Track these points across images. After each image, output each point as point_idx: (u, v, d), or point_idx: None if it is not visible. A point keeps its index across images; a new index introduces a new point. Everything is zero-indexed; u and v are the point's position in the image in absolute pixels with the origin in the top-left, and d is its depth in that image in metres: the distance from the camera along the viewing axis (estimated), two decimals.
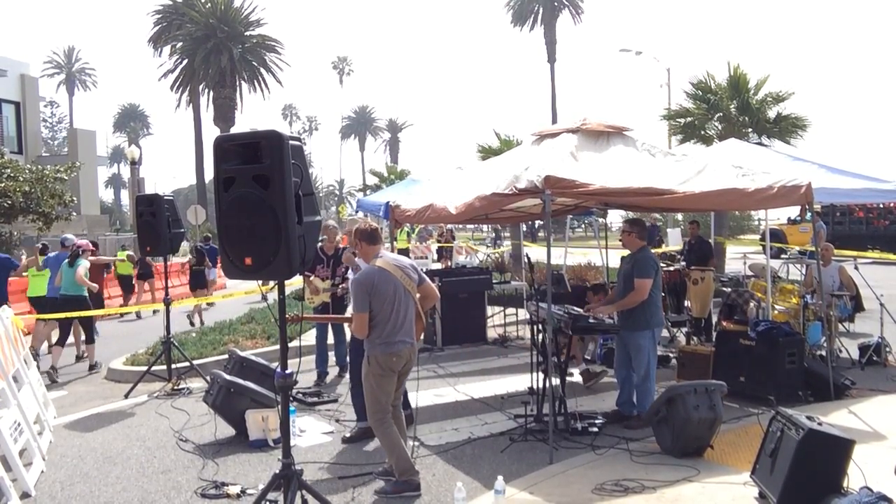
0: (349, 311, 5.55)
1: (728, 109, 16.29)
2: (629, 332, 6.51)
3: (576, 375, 8.14)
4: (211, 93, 40.69)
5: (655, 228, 18.81)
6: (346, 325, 5.36)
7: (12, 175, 18.19)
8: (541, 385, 6.39)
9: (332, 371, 8.81)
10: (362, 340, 5.55)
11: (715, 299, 11.13)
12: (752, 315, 9.17)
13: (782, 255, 19.71)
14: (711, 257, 11.43)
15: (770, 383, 7.07)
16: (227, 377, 6.71)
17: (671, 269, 11.06)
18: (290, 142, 3.91)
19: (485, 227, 42.43)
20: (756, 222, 34.27)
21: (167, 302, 9.32)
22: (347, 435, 6.39)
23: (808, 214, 10.15)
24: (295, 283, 5.61)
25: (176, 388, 8.47)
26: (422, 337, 5.43)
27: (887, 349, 8.88)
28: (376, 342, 5.03)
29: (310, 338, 9.17)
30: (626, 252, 6.80)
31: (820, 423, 4.43)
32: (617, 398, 6.78)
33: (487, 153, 18.90)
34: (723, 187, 6.55)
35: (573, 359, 7.84)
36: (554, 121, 44.81)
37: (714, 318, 10.44)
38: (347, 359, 7.43)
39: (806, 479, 4.26)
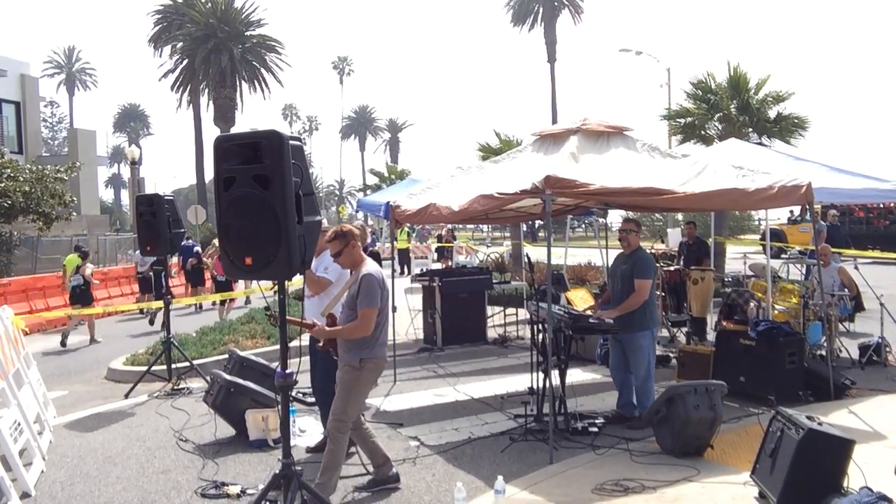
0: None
1: (728, 109, 16.27)
2: (629, 333, 6.48)
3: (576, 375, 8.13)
4: (211, 93, 40.62)
5: (836, 228, 18.19)
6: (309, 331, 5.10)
7: (12, 175, 18.19)
8: (541, 385, 6.39)
9: None
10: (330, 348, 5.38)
11: (715, 299, 11.13)
12: (752, 315, 9.16)
13: (782, 255, 19.70)
14: (707, 258, 11.46)
15: (770, 383, 7.06)
16: (228, 377, 6.71)
17: (671, 269, 11.07)
18: (291, 142, 3.91)
19: (485, 228, 42.47)
20: (756, 222, 34.26)
21: (167, 302, 9.32)
22: (311, 445, 6.14)
23: (808, 214, 10.14)
24: (296, 282, 5.57)
25: (176, 388, 8.47)
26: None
27: (887, 349, 8.87)
28: (378, 344, 4.93)
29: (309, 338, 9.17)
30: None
31: (820, 423, 4.43)
32: (617, 401, 6.76)
33: (487, 153, 18.89)
34: (723, 187, 6.55)
35: None
36: (554, 121, 44.79)
37: (714, 318, 10.44)
38: None
39: (806, 479, 4.26)
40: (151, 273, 16.26)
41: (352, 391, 4.85)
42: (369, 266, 4.95)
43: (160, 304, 15.01)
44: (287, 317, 4.47)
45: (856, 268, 9.73)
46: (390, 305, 5.03)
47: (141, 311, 16.34)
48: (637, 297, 6.41)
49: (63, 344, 12.67)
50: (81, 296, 12.92)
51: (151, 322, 14.69)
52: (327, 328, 4.90)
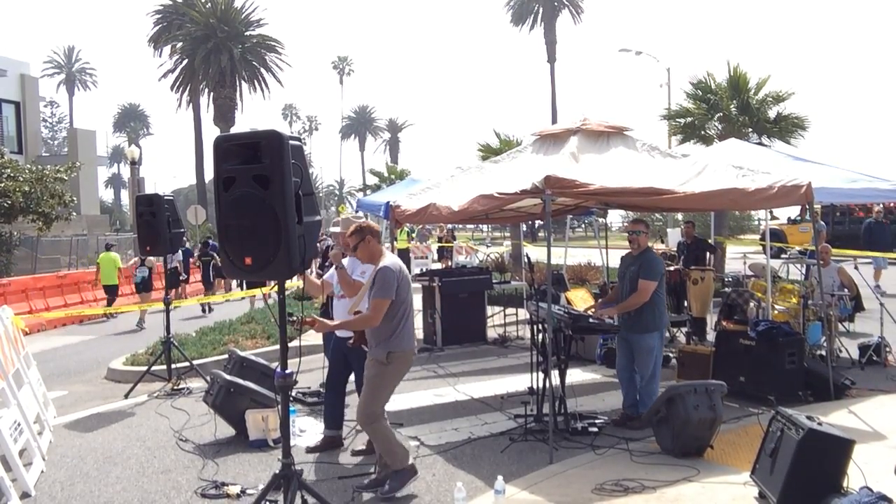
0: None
1: (728, 109, 16.27)
2: (638, 334, 6.46)
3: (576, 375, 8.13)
4: (211, 93, 40.62)
5: (881, 226, 18.06)
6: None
7: (12, 175, 18.19)
8: (541, 385, 6.39)
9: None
10: (346, 345, 5.35)
11: (715, 299, 11.12)
12: (752, 315, 9.16)
13: (782, 255, 19.69)
14: (714, 253, 11.40)
15: (770, 383, 7.06)
16: (228, 377, 6.71)
17: (671, 269, 11.06)
18: (290, 142, 3.92)
19: (485, 228, 42.44)
20: (756, 222, 34.25)
21: (167, 302, 9.32)
22: (311, 445, 6.16)
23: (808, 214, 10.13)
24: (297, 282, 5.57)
25: (176, 388, 8.47)
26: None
27: (887, 349, 8.88)
28: (404, 336, 4.94)
29: (309, 338, 9.16)
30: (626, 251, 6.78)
31: (820, 423, 4.43)
32: (623, 402, 6.72)
33: (487, 153, 18.92)
34: (723, 187, 6.55)
35: None
36: (554, 121, 44.78)
37: (713, 318, 10.43)
38: None
39: (806, 479, 4.26)
40: (200, 263, 17.82)
41: (378, 386, 4.96)
42: (387, 259, 5.02)
43: (213, 297, 17.14)
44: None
45: (855, 268, 9.74)
46: (411, 300, 5.03)
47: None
48: (637, 298, 6.39)
49: (139, 326, 14.60)
50: (144, 284, 15.17)
51: (210, 309, 16.70)
52: (329, 322, 4.94)
